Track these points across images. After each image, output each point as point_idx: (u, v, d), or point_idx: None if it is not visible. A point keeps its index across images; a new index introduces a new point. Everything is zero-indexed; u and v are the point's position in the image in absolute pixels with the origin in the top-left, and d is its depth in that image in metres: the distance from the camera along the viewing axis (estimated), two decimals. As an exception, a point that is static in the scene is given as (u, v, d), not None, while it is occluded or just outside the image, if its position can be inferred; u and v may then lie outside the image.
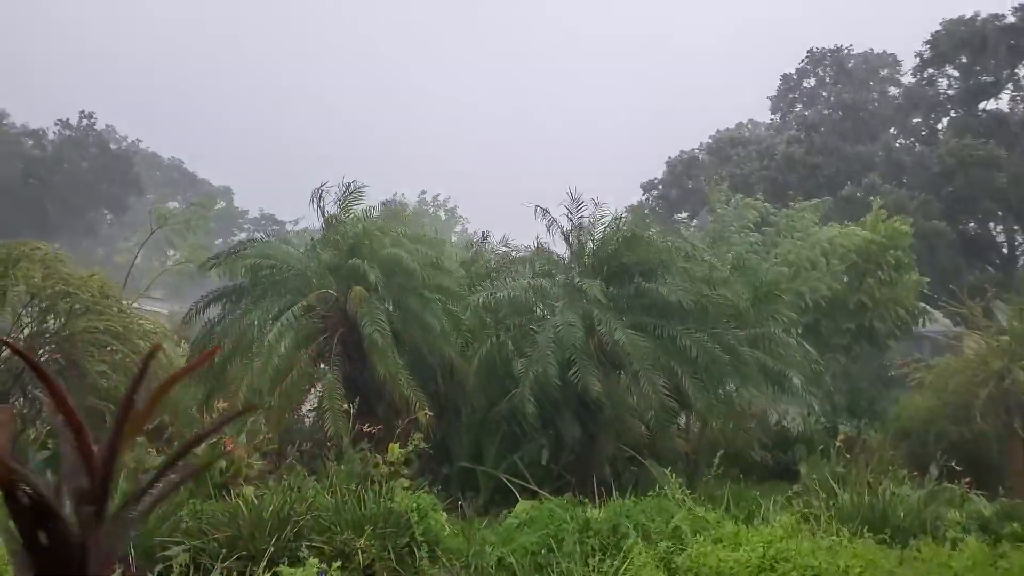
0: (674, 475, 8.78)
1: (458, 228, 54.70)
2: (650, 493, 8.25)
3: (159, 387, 1.87)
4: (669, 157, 41.64)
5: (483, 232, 15.23)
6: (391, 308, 11.26)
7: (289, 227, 53.30)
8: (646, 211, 25.83)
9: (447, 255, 13.31)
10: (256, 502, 7.06)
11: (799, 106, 41.37)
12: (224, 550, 6.47)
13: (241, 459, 7.71)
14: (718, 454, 10.28)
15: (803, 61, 41.53)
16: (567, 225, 12.54)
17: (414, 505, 7.47)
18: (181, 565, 6.15)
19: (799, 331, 14.16)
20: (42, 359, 10.54)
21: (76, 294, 9.60)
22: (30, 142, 47.39)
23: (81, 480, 1.63)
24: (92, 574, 1.60)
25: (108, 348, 9.54)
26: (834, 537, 6.58)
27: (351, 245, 11.49)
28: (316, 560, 6.12)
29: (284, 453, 9.18)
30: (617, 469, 11.95)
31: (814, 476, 9.49)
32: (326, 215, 11.80)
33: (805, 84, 41.85)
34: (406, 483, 8.11)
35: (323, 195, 11.84)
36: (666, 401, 10.52)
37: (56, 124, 49.41)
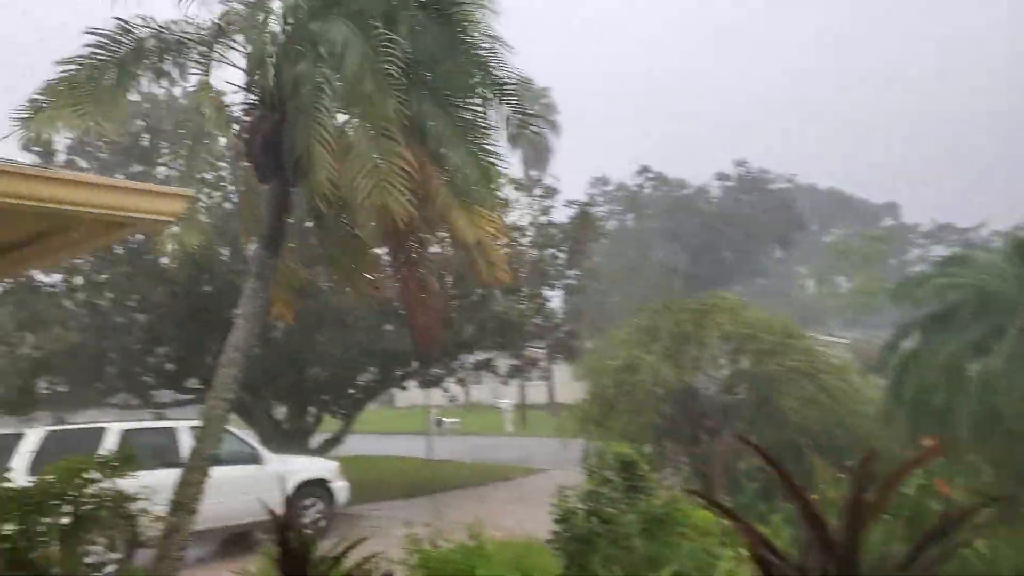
0: None
1: None
2: None
3: (889, 477, 1.89)
4: None
5: None
6: None
7: (971, 235, 48.31)
8: None
9: None
10: (987, 554, 6.39)
11: None
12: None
13: (960, 503, 7.14)
14: None
15: None
16: None
17: None
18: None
19: None
20: (738, 397, 11.96)
21: (761, 336, 10.59)
22: (699, 199, 55.05)
23: (823, 560, 1.74)
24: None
25: (796, 384, 10.16)
26: None
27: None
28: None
29: (1015, 498, 8.13)
30: None
31: None
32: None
33: None
34: None
35: None
36: None
37: (716, 177, 56.41)
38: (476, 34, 8.57)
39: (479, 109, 8.93)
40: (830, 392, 10.29)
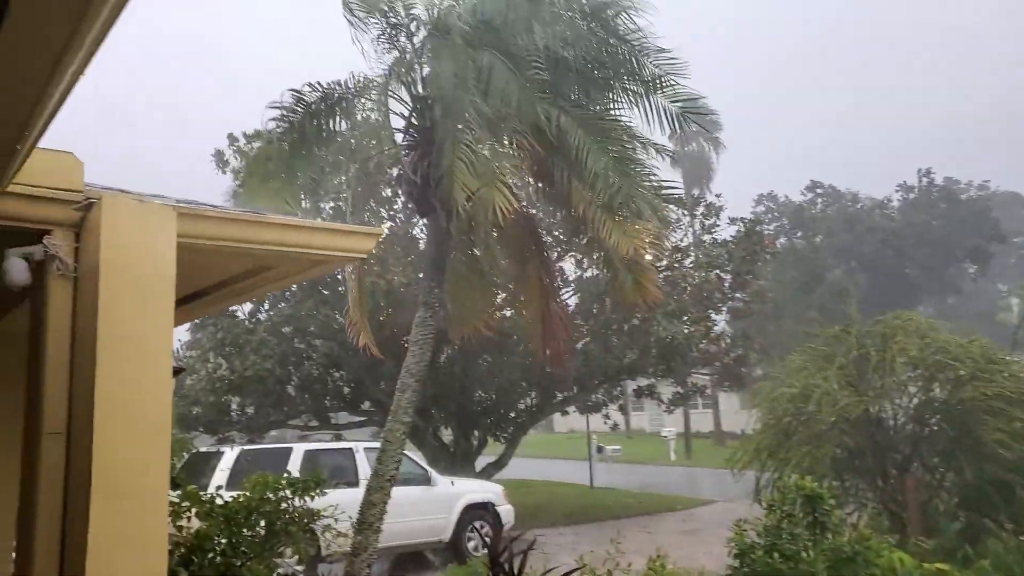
0: None
1: None
2: None
3: None
4: None
5: None
6: None
7: None
8: None
9: None
10: None
11: None
12: None
13: None
14: None
15: None
16: None
17: None
18: None
19: None
20: (930, 428, 11.05)
21: (956, 363, 9.78)
22: (877, 213, 51.51)
23: None
24: None
25: (1004, 415, 9.29)
26: None
27: None
28: None
29: None
30: None
31: None
32: None
33: None
34: None
35: None
36: None
37: (897, 189, 52.63)
38: (621, 32, 8.53)
39: (622, 116, 8.78)
40: (1049, 425, 9.32)
